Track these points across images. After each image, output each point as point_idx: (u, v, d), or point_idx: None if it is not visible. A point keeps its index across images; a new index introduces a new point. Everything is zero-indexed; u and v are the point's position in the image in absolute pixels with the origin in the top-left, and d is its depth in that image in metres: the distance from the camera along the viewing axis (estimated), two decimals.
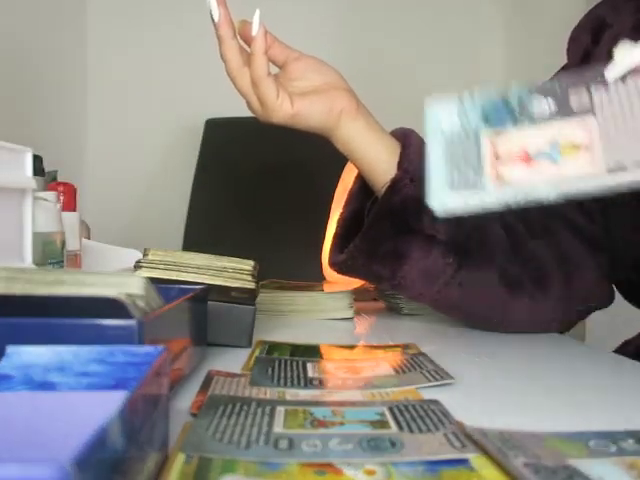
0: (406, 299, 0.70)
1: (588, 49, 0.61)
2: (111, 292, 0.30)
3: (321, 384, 0.39)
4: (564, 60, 0.66)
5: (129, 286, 0.32)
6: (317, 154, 0.92)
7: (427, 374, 0.40)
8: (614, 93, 0.35)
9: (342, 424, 0.30)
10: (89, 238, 0.88)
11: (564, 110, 0.36)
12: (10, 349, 0.26)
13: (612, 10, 0.60)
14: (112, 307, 0.29)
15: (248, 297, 0.51)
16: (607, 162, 0.35)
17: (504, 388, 0.39)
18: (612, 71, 0.35)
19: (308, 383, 0.39)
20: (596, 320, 0.77)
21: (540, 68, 0.71)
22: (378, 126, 0.58)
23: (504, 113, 0.38)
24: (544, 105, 0.37)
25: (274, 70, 0.55)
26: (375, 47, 1.67)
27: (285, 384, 0.38)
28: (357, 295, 0.72)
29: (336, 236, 0.61)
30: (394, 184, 0.55)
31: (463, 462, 0.26)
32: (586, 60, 0.61)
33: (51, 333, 0.28)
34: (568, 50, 0.66)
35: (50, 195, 0.63)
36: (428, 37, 1.70)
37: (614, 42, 0.59)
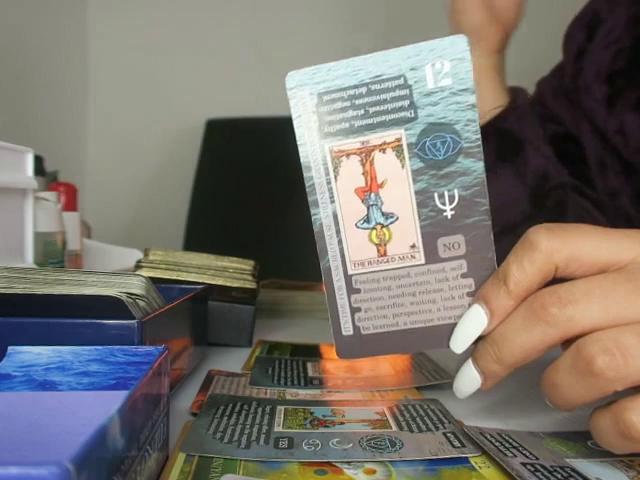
0: None
1: (582, 46, 0.60)
2: (112, 292, 0.30)
3: (321, 384, 0.39)
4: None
5: (130, 286, 0.32)
6: None
7: (427, 374, 0.40)
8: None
9: (342, 423, 0.30)
10: (90, 238, 0.88)
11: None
12: (11, 349, 0.26)
13: (608, 3, 0.59)
14: (113, 307, 0.29)
15: (248, 297, 0.51)
16: None
17: (504, 388, 0.39)
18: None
19: (308, 383, 0.39)
20: None
21: (541, 68, 0.70)
22: (502, 77, 0.59)
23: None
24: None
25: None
26: (373, 49, 1.67)
27: (285, 384, 0.38)
28: None
29: None
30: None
31: (463, 461, 0.26)
32: (580, 57, 0.60)
33: (52, 333, 0.28)
34: (563, 47, 0.65)
35: (51, 195, 0.63)
36: (427, 38, 1.70)
37: (608, 38, 0.59)
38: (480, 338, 0.28)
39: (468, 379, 0.28)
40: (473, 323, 0.28)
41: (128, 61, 1.65)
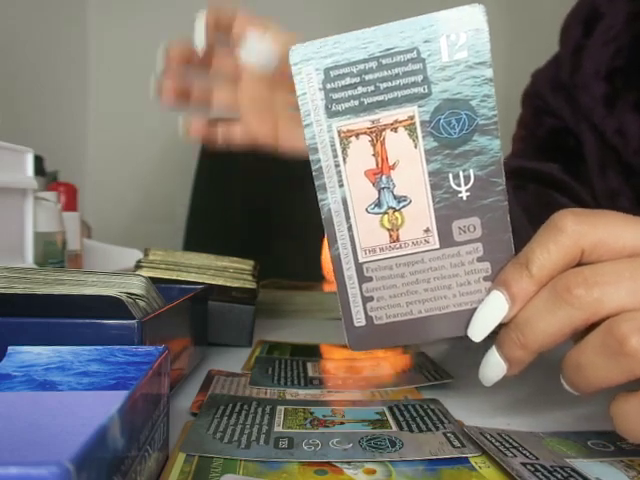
0: None
1: (580, 42, 0.59)
2: (112, 292, 0.30)
3: (321, 384, 0.39)
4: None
5: (130, 286, 0.32)
6: None
7: (427, 374, 0.40)
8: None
9: (342, 423, 0.30)
10: (90, 238, 0.88)
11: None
12: (11, 349, 0.26)
13: None
14: (113, 307, 0.29)
15: (248, 297, 0.51)
16: None
17: (504, 388, 0.39)
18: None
19: (308, 383, 0.39)
20: None
21: (537, 60, 0.70)
22: None
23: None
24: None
25: None
26: None
27: (285, 384, 0.38)
28: None
29: None
30: None
31: (463, 461, 0.26)
32: (578, 53, 0.59)
33: (52, 333, 0.28)
34: (561, 39, 0.64)
35: (51, 195, 0.63)
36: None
37: (607, 35, 0.58)
38: (499, 325, 0.27)
39: (493, 366, 0.27)
40: (493, 309, 0.27)
41: (128, 61, 1.65)
